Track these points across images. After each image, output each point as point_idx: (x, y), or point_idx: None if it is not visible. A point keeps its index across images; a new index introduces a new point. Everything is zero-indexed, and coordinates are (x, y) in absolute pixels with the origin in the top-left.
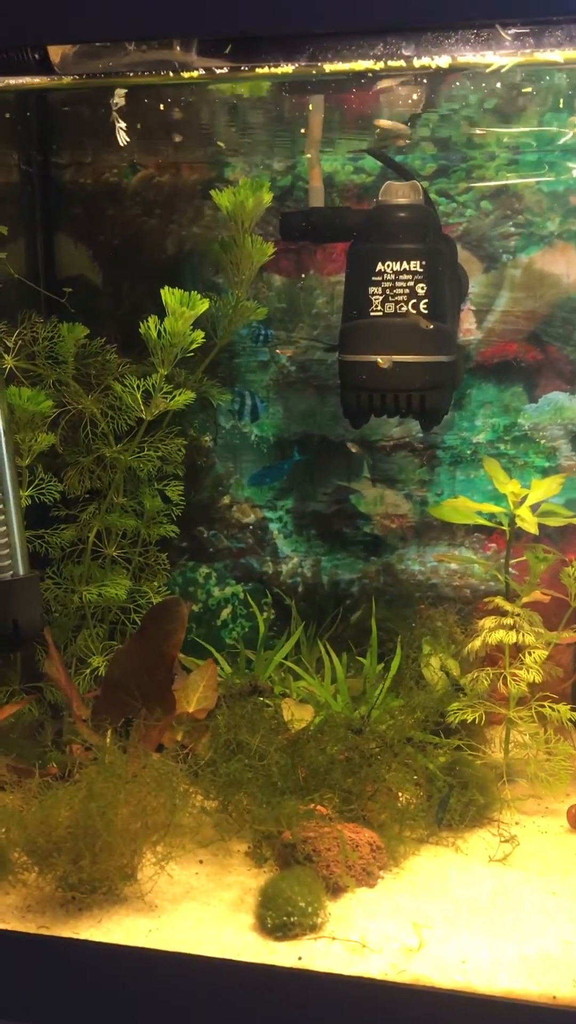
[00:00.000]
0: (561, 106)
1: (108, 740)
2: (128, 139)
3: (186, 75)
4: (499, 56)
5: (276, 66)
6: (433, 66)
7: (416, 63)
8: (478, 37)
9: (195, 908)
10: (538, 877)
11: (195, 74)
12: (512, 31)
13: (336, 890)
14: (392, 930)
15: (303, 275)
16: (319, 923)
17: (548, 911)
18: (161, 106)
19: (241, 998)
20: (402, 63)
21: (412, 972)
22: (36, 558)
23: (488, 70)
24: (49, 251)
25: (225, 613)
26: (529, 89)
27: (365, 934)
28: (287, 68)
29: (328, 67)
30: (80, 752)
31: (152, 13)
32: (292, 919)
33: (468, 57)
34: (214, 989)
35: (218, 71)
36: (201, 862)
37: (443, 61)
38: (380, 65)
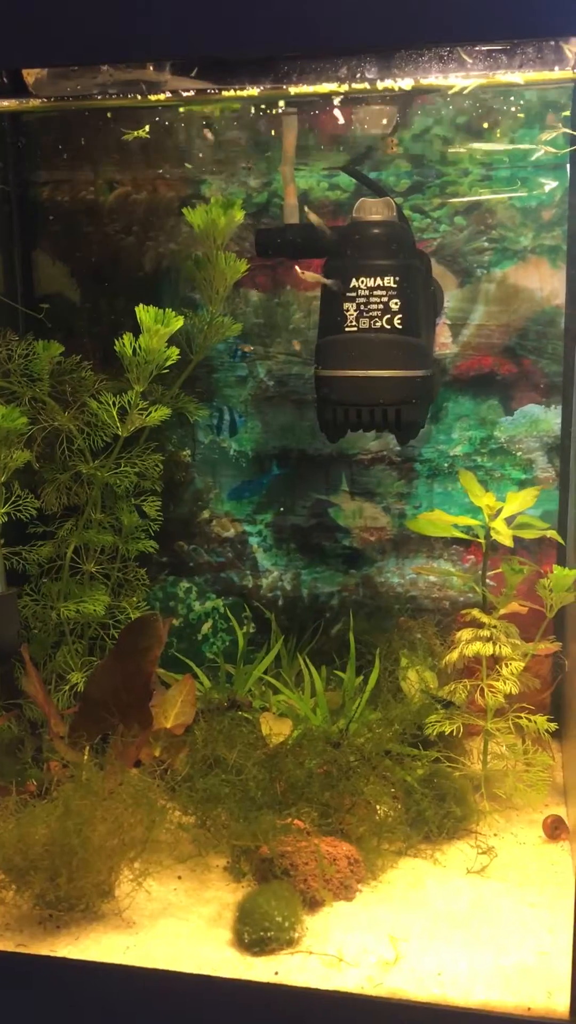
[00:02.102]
0: (533, 122)
1: (85, 757)
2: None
3: (153, 98)
4: (462, 78)
5: (242, 88)
6: (396, 88)
7: (380, 85)
8: (446, 58)
9: (173, 924)
10: (516, 888)
11: (162, 96)
12: (478, 49)
13: (314, 904)
14: (369, 943)
15: (281, 290)
16: (296, 938)
17: (525, 922)
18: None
19: (218, 1014)
20: (366, 85)
21: (389, 985)
22: (13, 575)
23: (451, 92)
24: (27, 268)
25: (206, 627)
26: (502, 107)
27: (342, 948)
28: (252, 91)
29: (294, 89)
30: (57, 769)
31: (128, 36)
32: (269, 934)
33: (432, 79)
34: (192, 1005)
35: (184, 94)
36: (179, 878)
37: (406, 83)
38: (345, 87)
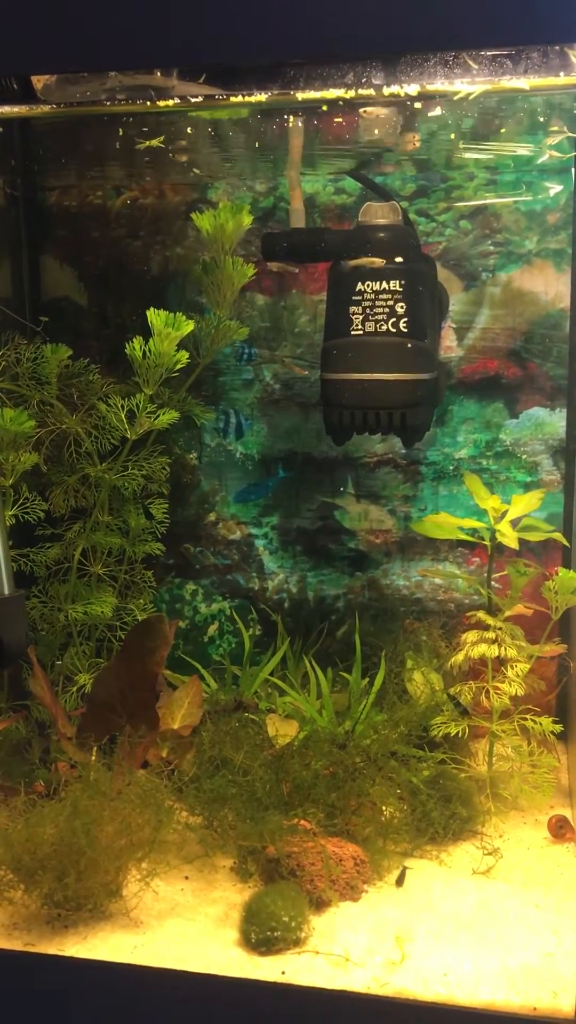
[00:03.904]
0: (537, 127)
1: (93, 758)
2: None
3: (162, 104)
4: (467, 84)
5: (249, 94)
6: (402, 94)
7: (386, 91)
8: (450, 64)
9: (180, 924)
10: (521, 889)
11: (171, 103)
12: (483, 55)
13: (320, 904)
14: (375, 944)
15: (290, 293)
16: (303, 937)
17: (530, 923)
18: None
19: (225, 1014)
20: (372, 91)
21: (394, 985)
22: (21, 577)
23: (456, 97)
24: (35, 273)
25: (212, 629)
26: (508, 112)
27: (348, 948)
28: (260, 96)
29: (300, 95)
30: (65, 770)
31: (137, 43)
32: (276, 934)
33: (438, 84)
34: (198, 1005)
35: (193, 99)
36: (186, 878)
37: (412, 89)
38: (351, 93)
